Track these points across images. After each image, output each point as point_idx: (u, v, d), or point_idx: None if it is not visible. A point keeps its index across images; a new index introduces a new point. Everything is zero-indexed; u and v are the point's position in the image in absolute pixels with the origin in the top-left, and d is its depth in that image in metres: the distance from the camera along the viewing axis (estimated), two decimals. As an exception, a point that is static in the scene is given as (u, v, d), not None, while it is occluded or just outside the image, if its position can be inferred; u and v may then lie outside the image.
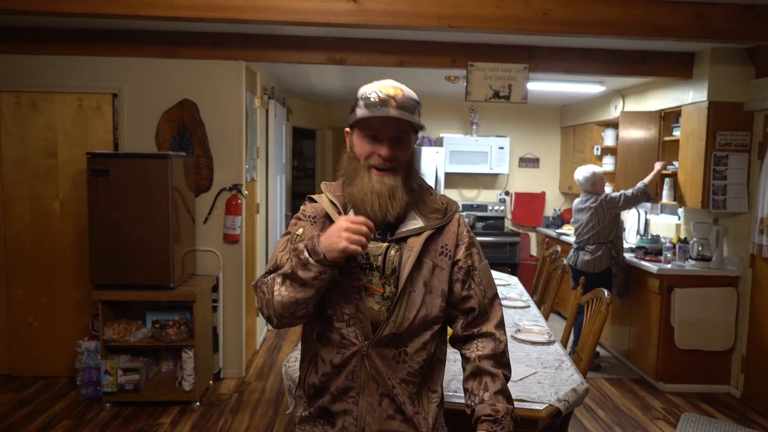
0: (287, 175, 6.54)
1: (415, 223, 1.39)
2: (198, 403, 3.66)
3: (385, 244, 1.37)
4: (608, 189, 5.07)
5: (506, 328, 2.81)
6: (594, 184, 4.44)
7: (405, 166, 1.38)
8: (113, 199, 3.52)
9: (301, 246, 1.27)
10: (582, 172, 4.49)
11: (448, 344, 1.54)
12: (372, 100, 1.33)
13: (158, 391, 3.65)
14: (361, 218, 1.26)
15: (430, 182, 6.05)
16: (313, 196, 1.49)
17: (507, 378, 1.43)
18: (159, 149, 4.00)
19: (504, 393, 1.40)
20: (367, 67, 4.00)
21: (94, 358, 3.69)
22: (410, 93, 1.38)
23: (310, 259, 1.24)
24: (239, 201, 4.06)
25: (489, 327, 1.45)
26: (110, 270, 3.55)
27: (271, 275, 1.34)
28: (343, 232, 1.23)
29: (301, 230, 1.42)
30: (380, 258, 1.36)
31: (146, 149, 3.97)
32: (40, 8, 2.97)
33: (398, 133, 1.36)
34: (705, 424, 3.54)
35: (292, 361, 2.24)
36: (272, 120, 5.17)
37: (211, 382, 4.02)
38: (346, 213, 1.40)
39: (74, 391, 3.80)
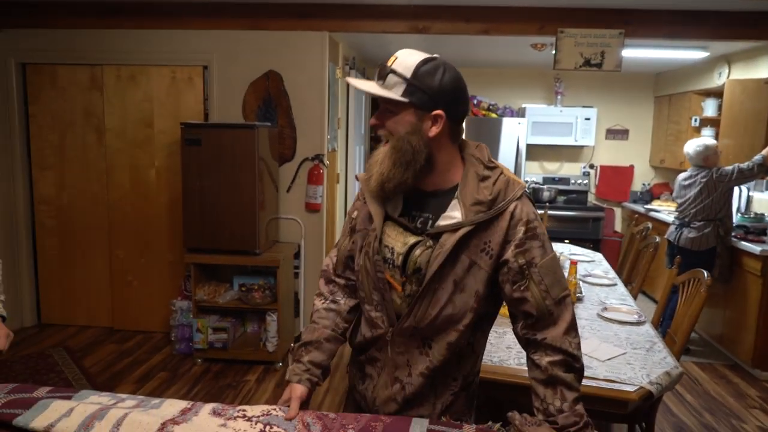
0: (365, 146, 6.57)
1: (454, 216, 1.26)
2: (281, 364, 3.83)
3: (412, 241, 1.30)
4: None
5: (592, 307, 2.72)
6: (707, 158, 4.11)
7: (396, 138, 1.26)
8: (204, 168, 3.69)
9: (297, 352, 1.46)
10: (693, 146, 4.17)
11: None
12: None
13: (244, 350, 3.85)
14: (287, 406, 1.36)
15: (509, 155, 5.92)
16: (360, 175, 1.47)
17: (580, 382, 1.29)
18: (245, 119, 4.13)
19: (580, 401, 1.28)
20: (450, 35, 3.90)
21: (186, 317, 3.94)
22: (405, 61, 1.25)
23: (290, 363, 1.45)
24: (321, 171, 4.13)
25: (555, 335, 1.26)
26: (201, 235, 3.74)
27: (315, 299, 1.52)
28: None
29: (355, 213, 1.44)
30: (401, 257, 1.30)
31: (234, 119, 4.12)
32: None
33: (384, 102, 1.28)
34: (808, 418, 3.29)
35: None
36: (353, 90, 5.19)
37: (292, 344, 4.17)
38: (390, 199, 1.39)
39: (168, 346, 4.09)
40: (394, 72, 1.24)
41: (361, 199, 1.44)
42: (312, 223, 4.22)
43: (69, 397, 1.36)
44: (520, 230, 1.25)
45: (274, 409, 1.33)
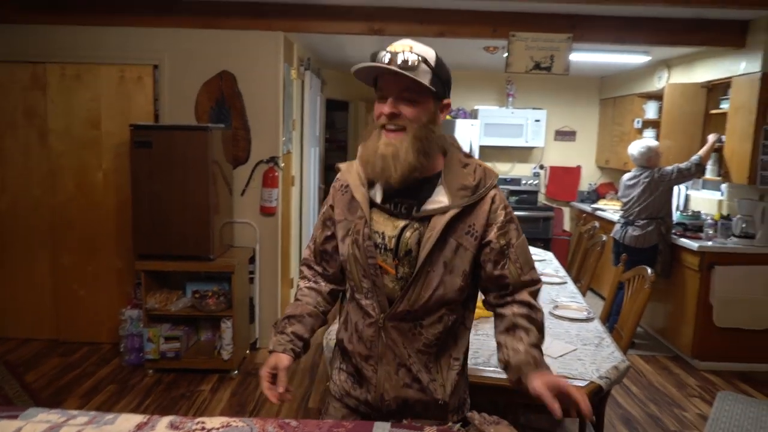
0: (320, 148, 6.55)
1: (440, 200, 1.34)
2: (236, 372, 3.77)
3: (402, 224, 1.36)
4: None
5: (544, 305, 2.80)
6: (649, 159, 4.30)
7: (415, 126, 1.31)
8: (155, 171, 3.58)
9: (280, 324, 1.50)
10: (637, 147, 4.36)
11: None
12: (376, 55, 1.31)
13: (198, 359, 3.77)
14: (268, 376, 1.40)
15: (464, 155, 6.01)
16: (341, 165, 1.50)
17: (541, 341, 1.38)
18: (198, 121, 4.04)
19: (539, 348, 1.35)
20: (405, 37, 3.93)
21: (136, 326, 3.82)
22: (421, 51, 1.31)
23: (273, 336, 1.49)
24: (276, 173, 4.09)
25: (525, 295, 1.39)
26: (152, 240, 3.64)
27: (299, 281, 1.57)
28: (262, 377, 1.40)
29: (326, 206, 1.50)
30: (393, 240, 1.36)
31: (185, 121, 4.02)
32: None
33: (401, 90, 1.30)
34: (743, 403, 3.49)
35: (332, 334, 2.28)
36: (307, 91, 5.16)
37: (248, 351, 4.13)
38: (373, 185, 1.41)
39: (118, 357, 3.95)
40: (425, 62, 1.30)
41: (339, 190, 1.48)
42: (267, 227, 4.17)
43: (15, 416, 1.31)
44: (501, 214, 1.37)
45: (234, 421, 1.32)
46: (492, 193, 1.37)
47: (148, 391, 3.51)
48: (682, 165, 4.22)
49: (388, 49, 1.32)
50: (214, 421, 1.31)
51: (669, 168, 4.25)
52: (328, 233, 1.51)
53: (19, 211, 4.17)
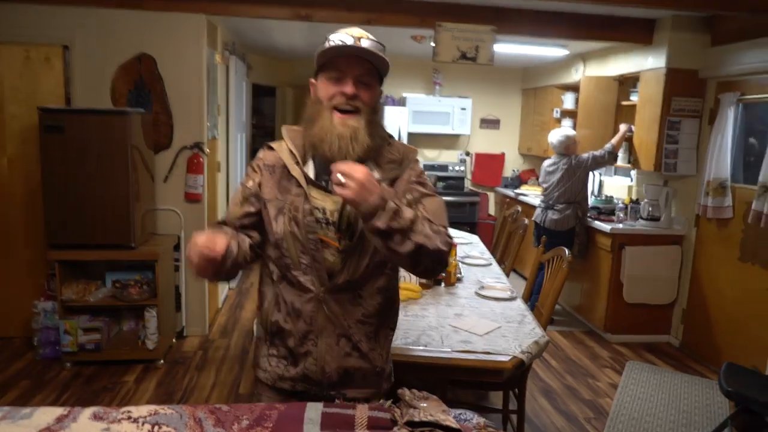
0: (247, 133, 6.40)
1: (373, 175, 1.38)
2: (162, 361, 3.66)
3: (341, 200, 1.36)
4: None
5: (470, 286, 2.91)
6: (567, 147, 4.53)
7: (369, 110, 1.38)
8: (69, 157, 3.38)
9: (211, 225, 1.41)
10: (556, 135, 4.58)
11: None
12: (337, 42, 1.35)
13: (120, 350, 3.62)
14: (210, 243, 1.25)
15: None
16: (272, 143, 1.49)
17: (417, 222, 1.29)
18: (115, 105, 3.84)
19: (407, 218, 1.27)
20: (332, 24, 3.91)
21: (51, 319, 3.62)
22: (375, 39, 1.41)
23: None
24: (201, 159, 3.97)
25: None
26: (67, 230, 3.44)
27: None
28: (192, 253, 1.26)
29: (251, 183, 1.46)
30: (336, 213, 1.40)
31: (101, 105, 3.80)
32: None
33: (362, 73, 1.37)
34: (648, 371, 3.80)
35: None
36: (233, 76, 5.02)
37: (174, 340, 4.01)
38: (305, 164, 1.43)
39: (31, 352, 3.73)
40: (379, 43, 1.38)
41: (265, 169, 1.46)
42: (192, 214, 4.05)
43: None
44: (414, 176, 1.45)
45: (162, 408, 1.29)
46: (413, 164, 1.48)
47: (66, 385, 3.34)
48: (597, 153, 4.48)
49: (347, 32, 1.37)
50: (141, 410, 1.28)
51: (585, 155, 4.51)
52: (251, 209, 1.46)
53: None
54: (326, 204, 1.40)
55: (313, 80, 1.45)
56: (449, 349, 2.08)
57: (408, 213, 1.29)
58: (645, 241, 4.27)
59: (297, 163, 1.42)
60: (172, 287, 3.95)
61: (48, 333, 3.63)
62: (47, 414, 1.26)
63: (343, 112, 1.35)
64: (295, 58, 6.89)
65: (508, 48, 4.91)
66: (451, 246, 1.39)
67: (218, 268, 1.32)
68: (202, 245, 1.25)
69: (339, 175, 1.23)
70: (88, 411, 1.26)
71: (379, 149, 1.42)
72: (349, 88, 1.35)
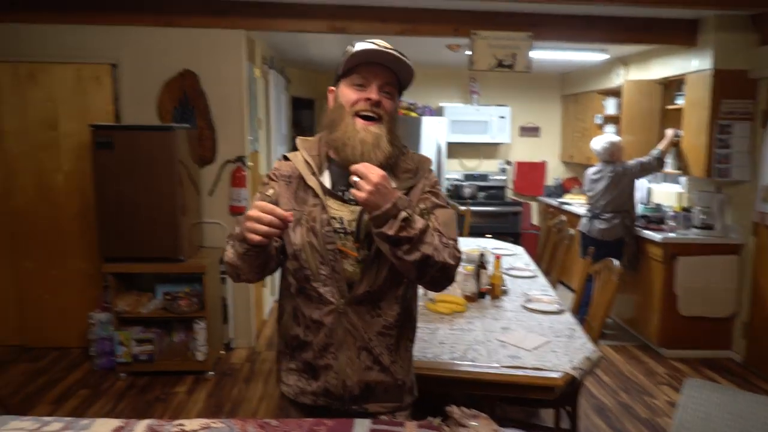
0: (287, 146, 6.50)
1: None
2: (211, 373, 3.72)
3: (360, 208, 1.38)
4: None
5: (516, 299, 2.86)
6: (612, 154, 4.42)
7: (389, 119, 1.40)
8: (119, 172, 3.50)
9: (242, 218, 1.31)
10: (600, 142, 4.47)
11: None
12: (363, 48, 1.36)
13: (172, 361, 3.70)
14: (269, 207, 1.24)
15: (430, 154, 6.06)
16: (287, 154, 1.50)
17: (426, 235, 1.30)
18: (161, 121, 3.96)
19: (419, 225, 1.29)
20: (367, 35, 3.94)
21: (106, 329, 3.73)
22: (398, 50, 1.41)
23: (239, 234, 1.32)
24: (244, 173, 4.05)
25: None
26: (119, 243, 3.55)
27: (234, 235, 1.39)
28: (246, 220, 1.25)
29: (271, 191, 1.45)
30: (354, 223, 1.40)
31: (148, 121, 3.93)
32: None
33: (386, 83, 1.39)
34: (709, 389, 3.61)
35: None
36: (272, 90, 5.11)
37: (222, 352, 4.07)
38: (320, 174, 1.43)
39: (88, 362, 3.85)
40: (403, 54, 1.38)
41: (281, 180, 1.46)
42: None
43: (-15, 427, 1.27)
44: (428, 186, 1.46)
45: (213, 422, 1.30)
46: (428, 174, 1.49)
47: (122, 395, 3.43)
48: (644, 159, 4.35)
49: (372, 41, 1.38)
50: (193, 423, 1.29)
51: (631, 162, 4.38)
52: None
53: (-26, 216, 4.01)
54: (344, 214, 1.41)
55: (332, 87, 1.47)
56: (497, 365, 2.04)
57: (419, 223, 1.29)
58: (699, 250, 4.10)
59: (313, 173, 1.43)
60: (219, 299, 4.02)
61: (103, 344, 3.75)
62: (105, 426, 1.29)
63: (365, 118, 1.37)
64: (332, 70, 6.85)
65: (546, 54, 4.84)
66: (459, 260, 1.39)
67: (266, 249, 1.33)
68: (271, 210, 1.23)
69: (355, 177, 1.25)
70: (144, 423, 1.29)
71: (396, 158, 1.44)
72: (373, 95, 1.37)
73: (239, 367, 3.88)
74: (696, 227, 4.23)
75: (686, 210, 4.38)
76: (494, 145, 6.73)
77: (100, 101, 3.97)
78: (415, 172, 1.46)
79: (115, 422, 1.30)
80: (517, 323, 2.51)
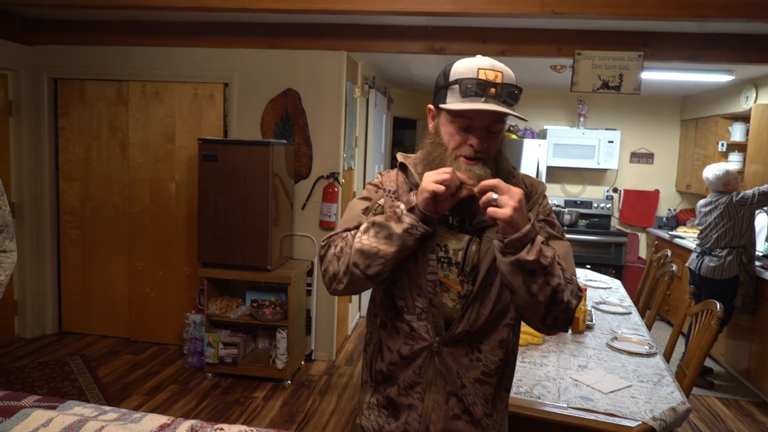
0: (385, 165, 6.59)
1: None
2: (289, 382, 3.82)
3: (467, 237, 1.27)
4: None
5: (603, 336, 2.65)
6: (727, 184, 3.99)
7: (495, 154, 1.27)
8: (220, 183, 3.74)
9: (398, 202, 1.23)
10: (713, 170, 4.05)
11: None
12: (468, 86, 1.20)
13: (254, 366, 3.85)
14: (448, 168, 1.19)
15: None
16: (404, 161, 1.36)
17: (554, 266, 1.17)
18: (263, 136, 4.19)
19: (549, 255, 1.16)
20: (467, 56, 3.90)
21: (199, 330, 3.98)
22: (510, 75, 1.24)
23: (405, 211, 1.19)
24: (336, 189, 4.15)
25: None
26: (215, 249, 3.79)
27: (351, 231, 1.28)
28: (428, 181, 1.17)
29: (382, 200, 1.33)
30: (461, 253, 1.26)
31: (252, 136, 4.18)
32: (162, 3, 3.22)
33: (492, 122, 1.23)
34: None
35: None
36: (372, 109, 5.23)
37: (302, 362, 4.18)
38: None
39: (181, 359, 4.13)
40: (514, 85, 1.23)
41: (389, 195, 1.34)
42: (326, 241, 4.22)
43: (54, 407, 1.38)
44: (545, 218, 1.32)
45: (252, 430, 1.32)
46: (542, 199, 1.34)
47: (206, 394, 3.62)
48: (764, 187, 3.87)
49: (475, 73, 1.21)
50: (232, 428, 1.32)
51: (750, 191, 3.91)
52: None
53: (101, 218, 4.48)
54: (449, 242, 1.27)
55: (431, 106, 1.34)
56: (565, 405, 1.89)
57: (549, 251, 1.16)
58: (833, 298, 3.56)
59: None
60: (304, 310, 4.14)
61: (196, 343, 4.00)
62: (153, 421, 1.35)
63: (469, 158, 1.24)
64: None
65: (661, 75, 4.49)
66: (580, 300, 1.25)
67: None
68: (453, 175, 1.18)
69: (493, 194, 1.13)
70: (187, 424, 1.33)
71: (506, 180, 1.26)
72: (476, 142, 1.22)
73: (317, 379, 3.95)
74: (833, 272, 3.67)
75: (821, 252, 3.83)
76: (601, 171, 6.35)
77: (211, 117, 4.29)
78: (528, 196, 1.31)
79: (163, 419, 1.36)
80: (597, 362, 2.31)
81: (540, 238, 1.15)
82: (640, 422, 1.82)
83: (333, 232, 1.34)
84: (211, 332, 3.81)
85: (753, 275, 3.97)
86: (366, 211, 1.33)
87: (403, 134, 8.75)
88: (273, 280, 3.80)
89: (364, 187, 5.27)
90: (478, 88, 1.19)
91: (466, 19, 3.47)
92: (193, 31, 4.11)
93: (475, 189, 1.17)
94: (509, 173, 1.31)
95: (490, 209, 1.13)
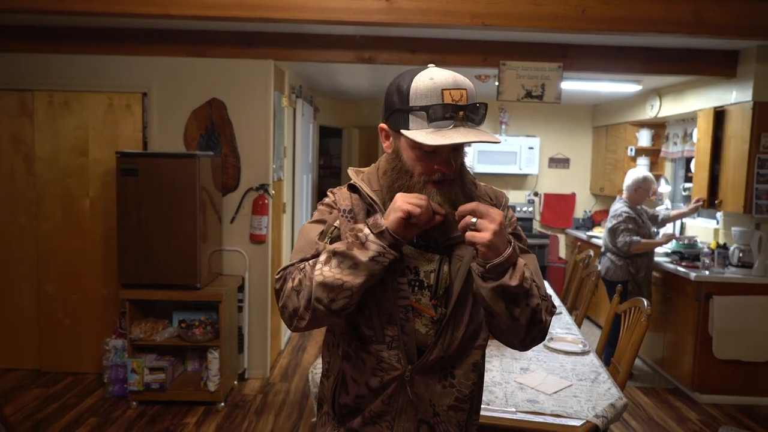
0: (313, 174, 6.51)
1: None
2: (223, 404, 3.65)
3: (438, 257, 1.18)
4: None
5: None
6: (636, 191, 4.17)
7: (460, 171, 1.20)
8: (141, 199, 3.53)
9: (360, 225, 1.12)
10: (631, 175, 4.22)
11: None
12: (435, 112, 1.09)
13: (183, 390, 3.64)
14: (423, 196, 1.10)
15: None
16: (357, 183, 1.23)
17: (539, 300, 1.14)
18: (187, 148, 4.00)
19: (526, 272, 1.11)
20: (395, 65, 3.93)
21: (121, 356, 3.71)
22: (472, 89, 1.14)
23: (370, 236, 1.08)
24: (266, 201, 4.04)
25: None
26: (138, 269, 3.55)
27: (309, 261, 1.16)
28: (402, 201, 1.08)
29: (337, 222, 1.21)
30: (433, 275, 1.18)
31: (174, 148, 3.98)
32: (72, 8, 2.98)
33: (459, 144, 1.13)
34: (746, 440, 3.38)
35: (318, 368, 2.19)
36: (299, 119, 5.14)
37: (235, 382, 4.01)
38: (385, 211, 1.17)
39: (101, 389, 3.83)
40: (480, 103, 1.14)
41: (345, 215, 1.21)
42: (257, 255, 4.10)
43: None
44: (512, 231, 1.24)
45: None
46: (507, 212, 1.26)
47: (131, 425, 3.38)
48: (625, 238, 4.04)
49: (449, 96, 1.11)
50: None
51: (619, 223, 4.12)
52: None
53: (3, 239, 4.09)
54: (419, 263, 1.18)
55: (384, 126, 1.20)
56: (514, 409, 1.92)
57: (527, 271, 1.10)
58: (736, 290, 3.88)
59: (378, 211, 1.17)
60: (236, 328, 3.98)
61: (117, 371, 3.73)
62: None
63: (437, 182, 1.16)
64: (361, 99, 7.01)
65: (577, 85, 4.75)
66: (553, 314, 1.21)
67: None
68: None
69: (473, 219, 1.06)
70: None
71: (467, 197, 1.19)
72: (446, 167, 1.14)
73: (252, 399, 3.80)
74: (733, 265, 4.01)
75: (723, 247, 4.17)
76: (522, 176, 6.61)
77: (129, 129, 4.04)
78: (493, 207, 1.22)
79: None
80: (538, 364, 2.38)
81: (522, 261, 1.10)
82: (584, 421, 1.88)
83: (288, 263, 1.22)
84: (135, 357, 3.57)
85: (642, 283, 4.17)
86: (321, 235, 1.21)
87: (329, 143, 8.70)
88: (203, 298, 3.63)
89: (293, 198, 5.18)
90: (445, 112, 1.10)
91: (396, 29, 3.50)
92: (107, 38, 3.85)
93: (456, 214, 1.09)
94: (473, 184, 1.25)
95: (469, 234, 1.06)
